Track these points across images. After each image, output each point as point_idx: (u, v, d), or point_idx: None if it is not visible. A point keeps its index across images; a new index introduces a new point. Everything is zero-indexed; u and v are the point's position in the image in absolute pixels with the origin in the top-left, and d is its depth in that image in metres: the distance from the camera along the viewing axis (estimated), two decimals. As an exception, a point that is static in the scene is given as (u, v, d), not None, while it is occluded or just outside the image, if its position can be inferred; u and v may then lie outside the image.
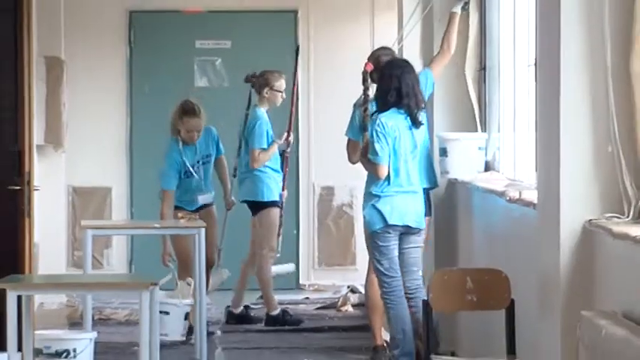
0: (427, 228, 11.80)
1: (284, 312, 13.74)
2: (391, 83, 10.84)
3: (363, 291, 13.12)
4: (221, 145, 13.20)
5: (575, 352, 7.50)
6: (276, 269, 14.19)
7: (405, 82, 10.84)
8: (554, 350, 7.91)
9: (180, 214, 13.08)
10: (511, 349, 8.77)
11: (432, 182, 11.75)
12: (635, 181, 7.60)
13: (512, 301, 8.84)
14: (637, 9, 7.56)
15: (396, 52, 12.61)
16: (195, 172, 13.07)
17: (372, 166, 10.85)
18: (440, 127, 12.00)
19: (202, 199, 13.06)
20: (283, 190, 13.61)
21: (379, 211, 10.74)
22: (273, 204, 13.47)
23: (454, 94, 12.09)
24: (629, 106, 7.63)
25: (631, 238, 7.02)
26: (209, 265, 12.96)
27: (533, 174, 9.25)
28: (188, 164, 13.06)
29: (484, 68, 12.12)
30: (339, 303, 14.52)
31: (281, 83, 13.54)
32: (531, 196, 8.89)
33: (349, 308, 14.24)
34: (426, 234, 11.73)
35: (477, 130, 12.00)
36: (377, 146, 10.67)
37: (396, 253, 10.82)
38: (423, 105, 11.00)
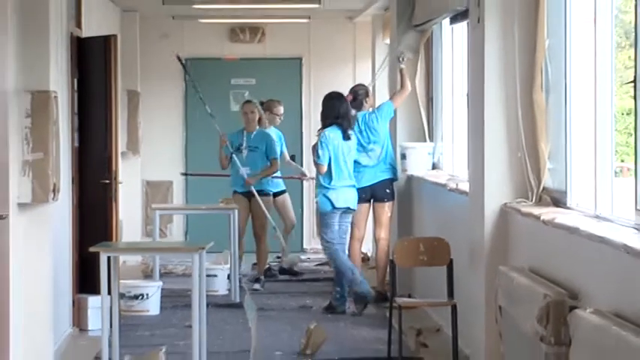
0: (392, 209, 11.93)
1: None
2: (332, 108, 11.19)
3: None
4: (275, 150, 12.83)
5: (495, 296, 7.53)
6: None
7: (343, 108, 11.19)
8: (480, 294, 7.97)
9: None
10: (450, 293, 8.79)
11: (395, 175, 11.76)
12: (536, 177, 7.66)
13: (451, 260, 8.87)
14: (537, 57, 7.67)
15: (371, 88, 12.72)
16: (241, 152, 12.74)
17: (316, 166, 11.22)
18: (401, 139, 12.01)
19: (243, 171, 12.60)
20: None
21: (329, 199, 11.02)
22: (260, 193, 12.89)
23: (411, 117, 12.08)
24: (532, 124, 7.68)
25: (533, 216, 7.14)
26: (255, 235, 12.79)
27: (465, 171, 9.22)
28: (238, 142, 12.75)
29: (431, 98, 12.16)
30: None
31: (278, 109, 13.30)
32: (464, 186, 8.93)
33: (337, 265, 14.28)
34: (390, 212, 11.88)
35: (426, 141, 12.01)
36: (320, 152, 11.04)
37: (337, 227, 11.17)
38: (352, 125, 11.35)
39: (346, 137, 11.18)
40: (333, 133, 11.16)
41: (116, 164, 10.81)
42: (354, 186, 11.31)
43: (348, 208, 11.29)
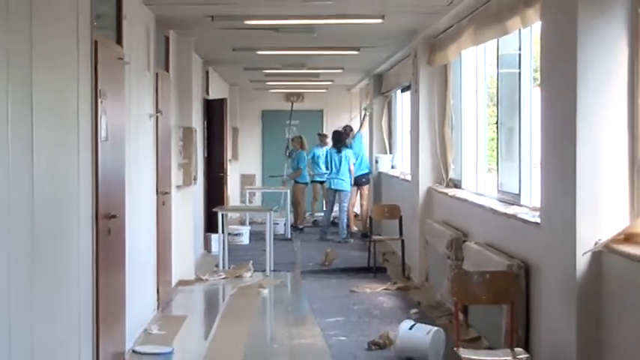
0: (369, 189, 11.95)
1: (314, 222, 12.98)
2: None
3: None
4: (298, 163, 12.64)
5: (424, 235, 7.54)
6: None
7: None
8: (416, 234, 7.91)
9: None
10: (400, 233, 8.72)
11: (369, 171, 11.75)
12: (446, 172, 7.61)
13: (401, 216, 8.81)
14: (447, 110, 7.65)
15: (359, 125, 12.73)
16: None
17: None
18: (375, 152, 11.90)
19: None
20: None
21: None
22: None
23: (380, 141, 11.98)
24: (444, 145, 7.64)
25: (444, 193, 7.13)
26: (296, 202, 12.53)
27: (409, 169, 9.13)
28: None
29: (390, 131, 12.03)
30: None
31: (326, 140, 12.61)
32: (408, 177, 8.87)
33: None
34: (367, 191, 11.86)
35: (387, 153, 11.93)
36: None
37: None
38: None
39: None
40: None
41: (226, 165, 10.80)
42: (344, 180, 11.40)
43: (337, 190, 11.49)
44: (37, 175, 3.59)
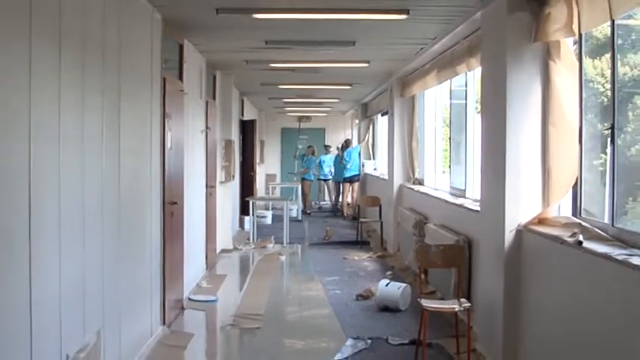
0: (358, 186, 11.95)
1: (319, 208, 12.94)
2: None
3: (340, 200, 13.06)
4: (309, 165, 12.70)
5: (396, 218, 7.51)
6: None
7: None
8: (391, 217, 7.83)
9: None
10: (379, 217, 8.67)
11: (359, 172, 11.69)
12: (412, 173, 7.51)
13: (381, 205, 8.75)
14: (414, 129, 7.62)
15: (352, 138, 12.81)
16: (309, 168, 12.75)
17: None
18: (363, 158, 11.82)
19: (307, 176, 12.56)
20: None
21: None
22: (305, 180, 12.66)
23: (365, 151, 12.01)
24: (411, 154, 7.52)
25: (411, 188, 7.04)
26: (304, 194, 12.53)
27: (386, 171, 9.11)
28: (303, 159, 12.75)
29: (373, 144, 12.05)
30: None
31: (330, 149, 12.77)
32: (386, 177, 8.73)
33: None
34: (357, 187, 11.89)
35: (371, 159, 11.83)
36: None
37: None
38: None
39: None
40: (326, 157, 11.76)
41: (255, 167, 10.75)
42: (328, 177, 11.89)
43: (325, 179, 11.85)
44: (122, 174, 3.66)
